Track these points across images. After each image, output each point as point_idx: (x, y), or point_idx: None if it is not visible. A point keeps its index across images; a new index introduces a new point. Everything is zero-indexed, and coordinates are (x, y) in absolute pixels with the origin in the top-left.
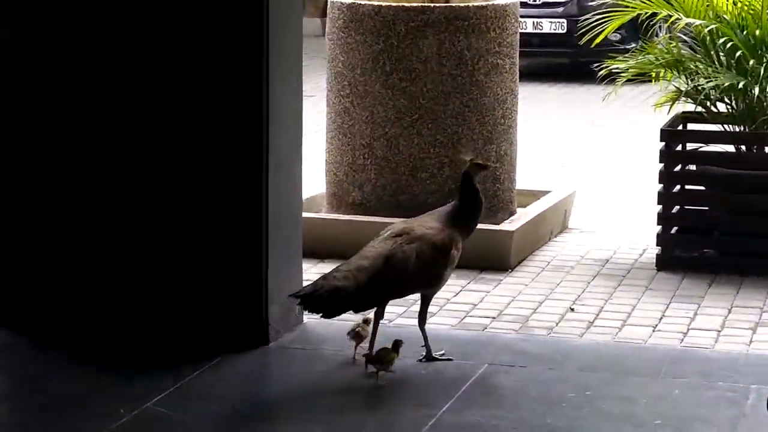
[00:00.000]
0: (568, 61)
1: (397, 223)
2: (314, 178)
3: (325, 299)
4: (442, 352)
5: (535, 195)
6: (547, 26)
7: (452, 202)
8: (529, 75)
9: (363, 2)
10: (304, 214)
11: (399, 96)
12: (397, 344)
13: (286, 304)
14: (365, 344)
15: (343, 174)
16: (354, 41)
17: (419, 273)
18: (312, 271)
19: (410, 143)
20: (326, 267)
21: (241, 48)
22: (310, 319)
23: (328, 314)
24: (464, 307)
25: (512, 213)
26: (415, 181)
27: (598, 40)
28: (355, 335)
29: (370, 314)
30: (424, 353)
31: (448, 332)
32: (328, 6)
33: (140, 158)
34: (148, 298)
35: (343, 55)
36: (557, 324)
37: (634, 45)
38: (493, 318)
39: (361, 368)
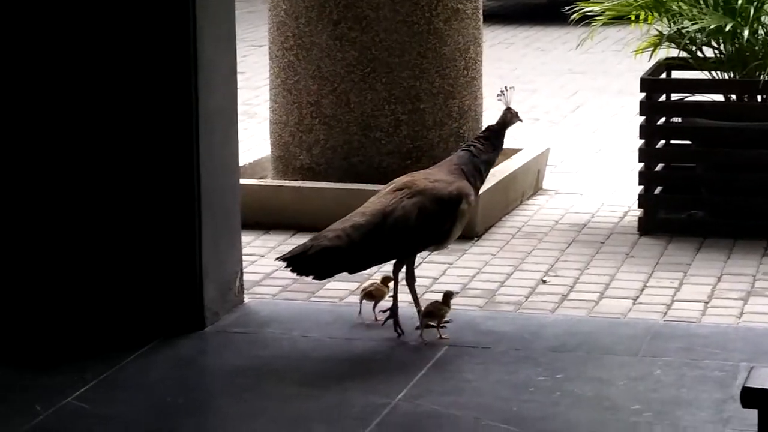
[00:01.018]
0: (546, 0)
1: (402, 176)
2: (265, 139)
3: (315, 260)
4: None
5: (504, 153)
6: None
7: (461, 150)
8: (503, 17)
9: None
10: (246, 182)
11: (348, 47)
12: (448, 296)
13: (225, 282)
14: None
15: (288, 135)
16: None
17: (422, 230)
18: (255, 244)
19: (362, 100)
20: (271, 239)
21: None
22: (251, 299)
23: (320, 276)
24: (424, 282)
25: None
26: (368, 141)
27: None
28: (367, 295)
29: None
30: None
31: (406, 310)
32: None
33: (58, 129)
34: (70, 282)
35: (286, 2)
36: (527, 298)
37: None
38: (456, 293)
39: (308, 351)
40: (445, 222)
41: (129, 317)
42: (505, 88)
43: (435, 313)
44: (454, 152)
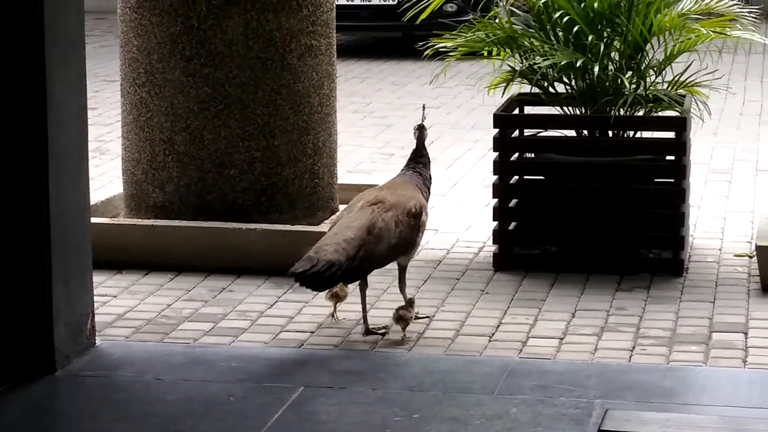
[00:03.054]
0: (401, 35)
1: (365, 192)
2: (118, 177)
3: (322, 274)
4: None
5: (360, 190)
6: None
7: (407, 171)
8: (358, 52)
9: None
10: (98, 220)
11: (201, 84)
12: (412, 302)
13: (76, 324)
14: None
15: (141, 173)
16: (149, 23)
17: (399, 241)
18: (108, 284)
19: (216, 136)
20: (124, 279)
21: (12, 36)
22: (103, 341)
23: (321, 288)
24: (279, 321)
25: (334, 211)
26: (222, 178)
27: (424, 15)
28: (333, 296)
29: None
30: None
31: (261, 351)
32: None
33: None
34: None
35: (137, 38)
36: (383, 337)
37: (472, 17)
38: (312, 333)
39: (162, 395)
40: (413, 233)
41: None
42: (423, 107)
43: (404, 317)
44: (400, 174)
